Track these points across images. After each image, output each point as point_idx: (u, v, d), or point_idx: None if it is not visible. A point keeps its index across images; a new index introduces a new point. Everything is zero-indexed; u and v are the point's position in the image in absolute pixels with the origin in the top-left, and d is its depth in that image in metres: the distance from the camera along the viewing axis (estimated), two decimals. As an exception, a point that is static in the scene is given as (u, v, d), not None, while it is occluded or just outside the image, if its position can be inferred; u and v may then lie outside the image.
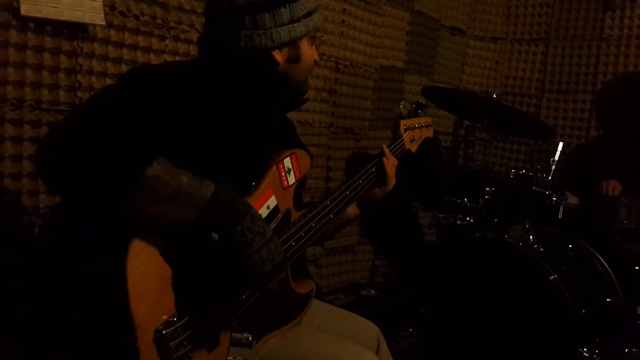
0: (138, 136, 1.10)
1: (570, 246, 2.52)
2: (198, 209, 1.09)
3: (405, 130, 1.88)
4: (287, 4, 1.37)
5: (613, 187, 3.01)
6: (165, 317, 1.07)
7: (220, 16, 1.36)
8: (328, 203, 1.53)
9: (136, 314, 1.00)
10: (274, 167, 1.40)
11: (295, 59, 1.43)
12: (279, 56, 1.39)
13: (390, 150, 1.80)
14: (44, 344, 1.07)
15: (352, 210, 1.79)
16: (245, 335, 1.24)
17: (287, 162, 1.45)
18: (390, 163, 1.78)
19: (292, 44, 1.41)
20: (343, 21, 3.04)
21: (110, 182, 1.01)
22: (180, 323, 1.09)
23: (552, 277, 2.24)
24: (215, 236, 1.12)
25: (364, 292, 2.86)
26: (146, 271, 1.05)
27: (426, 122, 1.99)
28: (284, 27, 1.37)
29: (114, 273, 1.01)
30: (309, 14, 1.42)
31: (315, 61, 1.50)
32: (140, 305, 1.01)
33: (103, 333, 1.02)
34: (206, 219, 1.10)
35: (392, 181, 1.79)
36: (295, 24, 1.38)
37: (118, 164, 1.01)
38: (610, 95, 3.70)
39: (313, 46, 1.48)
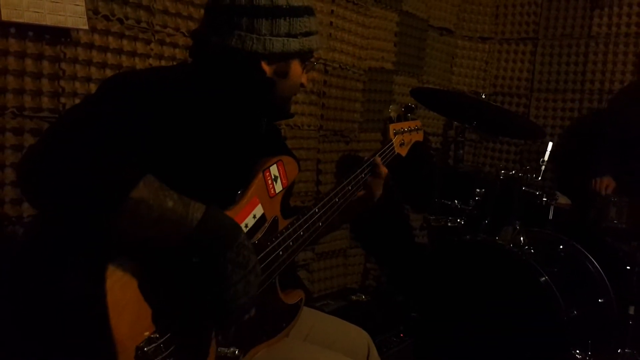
0: (125, 151, 1.06)
1: (561, 247, 2.52)
2: (182, 235, 1.05)
3: (395, 134, 1.86)
4: (287, 17, 1.35)
5: (607, 183, 3.00)
6: (147, 333, 1.04)
7: (220, 11, 1.35)
8: (317, 210, 1.50)
9: (116, 330, 0.97)
10: (260, 175, 1.37)
11: (282, 73, 1.41)
12: (266, 67, 1.38)
13: (380, 155, 1.78)
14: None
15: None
16: (231, 349, 1.21)
17: (274, 169, 1.42)
18: (379, 172, 1.74)
19: (283, 57, 1.39)
20: (331, 23, 3.02)
21: (93, 203, 0.98)
22: (163, 339, 1.06)
23: (544, 278, 2.23)
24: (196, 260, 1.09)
25: (354, 298, 2.85)
26: (127, 285, 1.01)
27: (416, 126, 1.97)
28: (279, 39, 1.35)
29: (93, 288, 0.97)
30: (308, 34, 1.40)
31: (302, 85, 1.48)
32: (121, 321, 0.98)
33: (82, 350, 0.98)
34: (189, 247, 1.06)
35: (378, 191, 1.74)
36: (290, 39, 1.37)
37: (102, 183, 0.98)
38: (601, 94, 3.71)
39: (304, 70, 1.47)
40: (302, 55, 1.43)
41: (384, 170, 1.74)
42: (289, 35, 1.36)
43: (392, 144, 1.84)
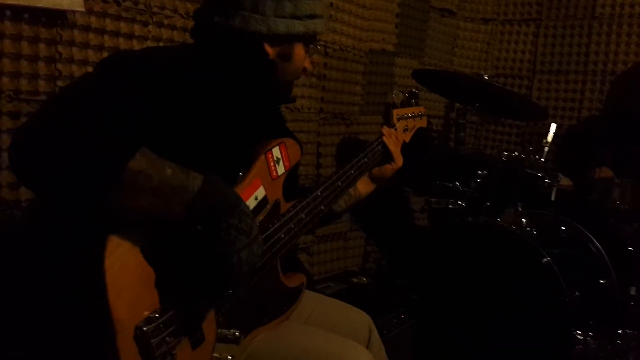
0: (120, 126, 1.05)
1: (563, 228, 2.51)
2: (184, 203, 1.04)
3: (398, 119, 1.84)
4: None
5: (604, 174, 3.00)
6: (146, 313, 1.03)
7: None
8: (319, 194, 1.49)
9: (115, 310, 0.96)
10: (262, 157, 1.36)
11: (286, 56, 1.39)
12: (269, 49, 1.36)
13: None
14: (19, 340, 1.03)
15: (365, 187, 1.78)
16: (232, 331, 1.21)
17: (276, 151, 1.41)
18: (392, 140, 1.76)
19: (287, 39, 1.37)
20: (331, 4, 2.99)
21: (90, 177, 0.96)
22: (163, 319, 1.06)
23: (546, 259, 2.22)
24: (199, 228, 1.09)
25: (355, 280, 2.84)
26: (125, 265, 1.01)
27: (420, 112, 1.95)
28: (283, 20, 1.33)
29: (92, 267, 0.96)
30: (313, 16, 1.38)
31: (305, 69, 1.46)
32: (119, 301, 0.97)
33: (81, 330, 0.98)
34: (192, 214, 1.05)
35: (399, 157, 1.79)
36: (295, 21, 1.34)
37: (98, 157, 0.97)
38: (604, 76, 3.68)
39: (307, 54, 1.45)
40: (306, 39, 1.41)
41: (395, 139, 1.75)
42: (293, 17, 1.34)
43: (396, 129, 1.83)
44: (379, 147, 1.74)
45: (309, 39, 1.43)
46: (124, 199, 0.99)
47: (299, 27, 1.35)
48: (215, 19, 1.33)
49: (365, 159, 1.69)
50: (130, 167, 0.98)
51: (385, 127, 1.79)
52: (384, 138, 1.76)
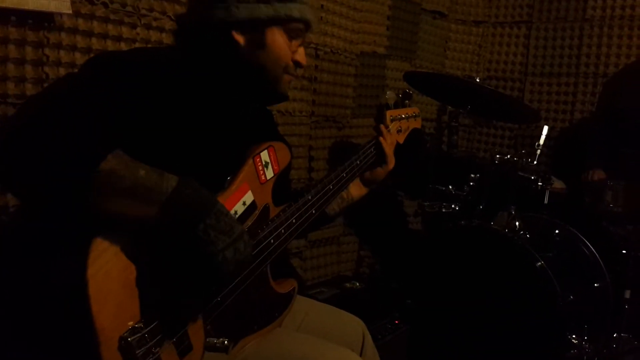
0: (93, 127, 1.02)
1: (556, 231, 2.50)
2: (158, 204, 1.01)
3: (392, 120, 1.82)
4: None
5: (598, 177, 3.01)
6: (131, 322, 1.00)
7: None
8: (310, 198, 1.46)
9: (99, 321, 0.93)
10: (250, 161, 1.33)
11: (258, 44, 1.32)
12: (239, 37, 1.30)
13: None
14: (3, 350, 1.00)
15: (357, 190, 1.75)
16: (220, 339, 1.18)
17: (264, 155, 1.37)
18: (388, 141, 1.73)
19: (253, 25, 1.31)
20: (322, 6, 2.97)
21: (62, 177, 0.94)
22: (148, 329, 1.02)
23: (539, 263, 2.21)
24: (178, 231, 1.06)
25: (348, 285, 2.81)
26: (109, 273, 0.98)
27: (414, 113, 1.93)
28: (246, 5, 1.28)
29: (75, 276, 0.93)
30: (284, 0, 1.32)
31: (298, 63, 1.39)
32: (104, 311, 0.94)
33: (64, 340, 0.95)
34: (166, 216, 1.02)
35: (392, 160, 1.75)
36: (261, 5, 1.28)
37: (70, 158, 0.95)
38: (596, 78, 3.68)
39: (292, 42, 1.37)
40: (279, 23, 1.33)
41: (391, 139, 1.73)
42: (259, 1, 1.29)
43: (389, 130, 1.81)
44: (372, 148, 1.71)
45: (284, 24, 1.33)
46: (98, 201, 0.97)
47: (265, 10, 1.29)
48: (191, 18, 1.32)
49: (358, 161, 1.66)
50: (102, 168, 0.96)
51: (382, 125, 1.76)
52: (381, 138, 1.73)
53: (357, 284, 2.83)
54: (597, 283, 2.43)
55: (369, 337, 1.66)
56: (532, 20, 3.92)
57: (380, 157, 1.73)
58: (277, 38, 1.33)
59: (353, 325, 1.66)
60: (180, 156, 1.16)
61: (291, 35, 1.36)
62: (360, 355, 1.61)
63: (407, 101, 1.90)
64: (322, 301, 1.81)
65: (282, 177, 1.45)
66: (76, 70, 1.91)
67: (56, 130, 0.97)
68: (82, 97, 1.06)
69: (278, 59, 1.36)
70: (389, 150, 1.74)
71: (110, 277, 0.98)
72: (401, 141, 1.86)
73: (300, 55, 1.40)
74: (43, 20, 1.86)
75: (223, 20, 1.28)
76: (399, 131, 1.84)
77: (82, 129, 1.00)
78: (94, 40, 2.00)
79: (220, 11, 1.27)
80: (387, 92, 1.84)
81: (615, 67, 3.61)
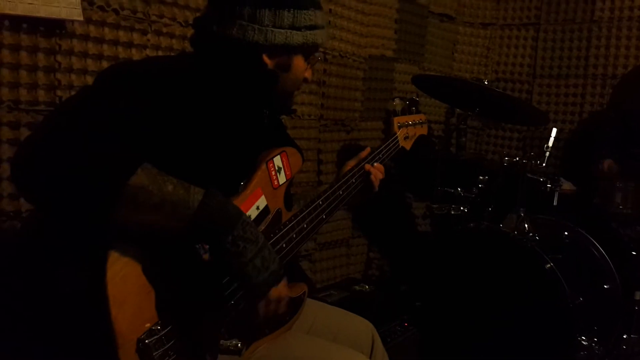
0: (121, 141, 1.04)
1: (566, 233, 2.49)
2: (185, 218, 1.04)
3: (399, 127, 1.84)
4: (291, 9, 1.32)
5: (609, 165, 2.98)
6: (148, 325, 1.02)
7: (223, 0, 1.33)
8: (320, 203, 1.48)
9: (117, 323, 0.96)
10: (264, 166, 1.35)
11: (285, 67, 1.39)
12: (267, 59, 1.35)
13: (385, 148, 1.77)
14: (22, 353, 1.02)
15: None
16: (233, 342, 1.20)
17: (278, 160, 1.39)
18: (374, 172, 1.71)
19: (285, 50, 1.36)
20: (330, 10, 2.99)
21: (91, 193, 0.96)
22: (165, 331, 1.05)
23: (549, 265, 2.21)
24: (207, 247, 1.09)
25: (357, 288, 2.82)
26: (127, 277, 1.00)
27: (420, 119, 1.95)
28: (281, 30, 1.32)
29: (93, 279, 0.96)
30: (313, 27, 1.37)
31: (306, 79, 1.46)
32: (122, 314, 0.97)
33: (83, 343, 0.97)
34: (195, 230, 1.05)
35: (375, 189, 1.72)
36: (294, 32, 1.34)
37: (99, 173, 0.96)
38: (604, 79, 3.67)
39: (308, 64, 1.44)
40: (305, 50, 1.40)
41: (375, 170, 1.71)
42: (292, 27, 1.33)
43: (397, 137, 1.83)
44: (392, 148, 1.73)
45: (309, 50, 1.41)
46: (124, 215, 0.99)
47: (297, 38, 1.34)
48: (213, 28, 1.33)
49: (359, 174, 1.68)
50: (131, 183, 0.98)
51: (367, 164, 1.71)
52: (366, 166, 1.70)
53: (367, 287, 2.84)
54: (606, 285, 2.42)
55: (378, 340, 1.67)
56: (540, 22, 3.91)
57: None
58: (299, 62, 1.41)
59: (362, 328, 1.67)
60: (196, 162, 1.18)
61: (309, 59, 1.44)
62: (370, 358, 1.62)
63: (414, 108, 1.91)
64: (331, 304, 1.82)
65: (291, 182, 1.48)
66: (88, 76, 1.97)
67: (85, 144, 0.99)
68: (107, 110, 1.07)
69: (297, 80, 1.44)
70: (373, 178, 1.71)
71: (127, 280, 1.00)
72: (408, 147, 1.89)
73: (309, 73, 1.47)
74: (55, 27, 1.89)
75: (256, 43, 1.31)
76: (406, 138, 1.86)
77: (111, 143, 1.01)
78: (105, 46, 2.03)
79: (255, 33, 1.30)
80: (395, 99, 1.86)
81: (623, 68, 3.59)
